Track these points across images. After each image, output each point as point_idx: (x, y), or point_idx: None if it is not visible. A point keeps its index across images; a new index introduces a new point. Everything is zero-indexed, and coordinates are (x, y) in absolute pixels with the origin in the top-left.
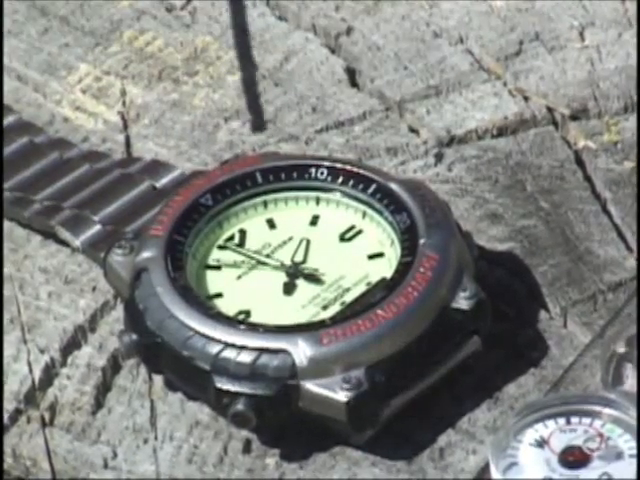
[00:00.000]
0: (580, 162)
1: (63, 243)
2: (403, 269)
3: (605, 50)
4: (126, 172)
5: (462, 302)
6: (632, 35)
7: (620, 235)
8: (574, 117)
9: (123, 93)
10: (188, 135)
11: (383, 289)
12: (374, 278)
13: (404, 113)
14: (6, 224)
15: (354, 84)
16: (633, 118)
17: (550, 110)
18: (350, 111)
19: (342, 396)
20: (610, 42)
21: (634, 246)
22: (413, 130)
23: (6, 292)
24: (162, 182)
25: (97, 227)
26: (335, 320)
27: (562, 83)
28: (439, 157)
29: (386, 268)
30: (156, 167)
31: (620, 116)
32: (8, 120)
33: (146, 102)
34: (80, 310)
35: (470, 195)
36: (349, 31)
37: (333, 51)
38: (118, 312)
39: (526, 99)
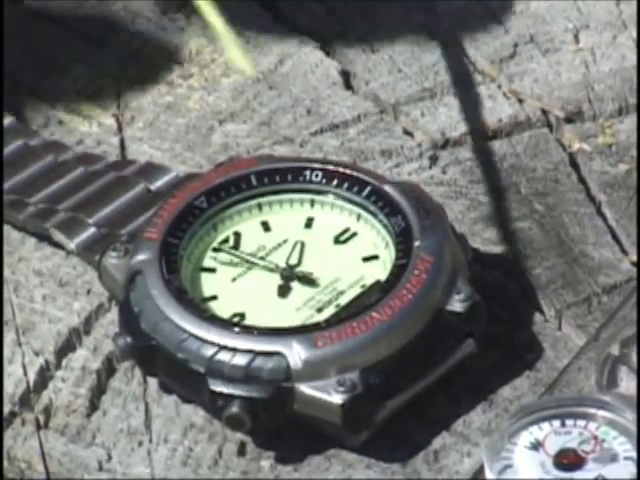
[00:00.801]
0: (575, 164)
1: (58, 246)
2: (398, 271)
3: (600, 52)
4: (121, 174)
5: (456, 305)
6: (627, 37)
7: (615, 237)
8: (569, 119)
9: (118, 96)
10: (182, 137)
11: (378, 291)
12: (369, 281)
13: (399, 116)
14: None
15: (349, 87)
16: (627, 120)
17: (545, 112)
18: (345, 114)
19: (336, 398)
20: (605, 44)
21: (629, 249)
22: (407, 133)
23: None
24: (157, 184)
25: (92, 230)
26: (330, 323)
27: (557, 85)
28: (434, 159)
29: (381, 271)
30: (151, 169)
31: (615, 118)
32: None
33: (140, 105)
34: (75, 313)
35: (465, 197)
36: (344, 34)
37: (328, 54)
38: (113, 315)
39: (520, 101)
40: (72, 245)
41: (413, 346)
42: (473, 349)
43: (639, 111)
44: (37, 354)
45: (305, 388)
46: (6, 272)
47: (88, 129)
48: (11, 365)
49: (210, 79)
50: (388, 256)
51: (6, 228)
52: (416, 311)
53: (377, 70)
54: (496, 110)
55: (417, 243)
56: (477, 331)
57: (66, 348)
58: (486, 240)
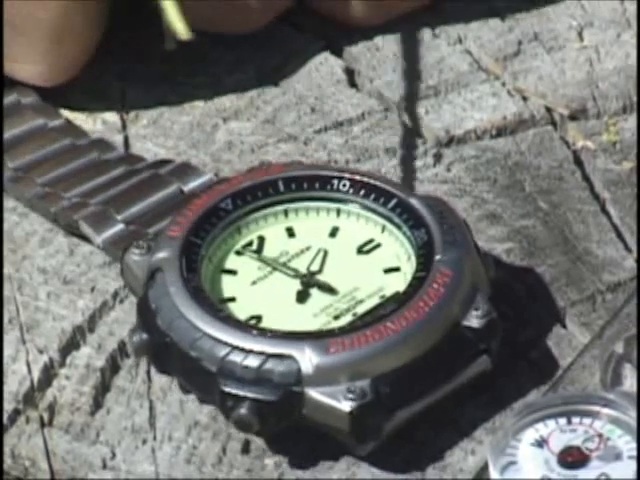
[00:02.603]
0: (579, 162)
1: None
2: (416, 284)
3: (604, 50)
4: (156, 172)
5: (473, 320)
6: (631, 35)
7: (619, 235)
8: (573, 117)
9: (122, 93)
10: (187, 135)
11: (395, 302)
12: (388, 292)
13: (403, 113)
14: (5, 224)
15: (353, 84)
16: (632, 118)
17: (549, 110)
18: (349, 111)
19: (345, 406)
20: (609, 42)
21: (633, 246)
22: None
23: (5, 292)
24: (190, 186)
25: (120, 226)
26: (344, 330)
27: (561, 83)
28: (438, 157)
29: (401, 282)
30: (186, 170)
31: (619, 116)
32: (53, 123)
33: (145, 102)
34: (79, 310)
35: (469, 195)
36: (348, 32)
37: (332, 51)
38: (117, 312)
39: (525, 99)
40: (98, 239)
41: (426, 358)
42: (487, 366)
43: (639, 111)
44: (41, 352)
45: (315, 393)
46: (10, 270)
47: (92, 127)
48: (15, 363)
49: (214, 77)
50: (409, 269)
51: (10, 226)
52: (431, 324)
53: (381, 68)
54: (500, 108)
55: (438, 257)
56: (493, 348)
57: (70, 346)
58: (490, 238)
